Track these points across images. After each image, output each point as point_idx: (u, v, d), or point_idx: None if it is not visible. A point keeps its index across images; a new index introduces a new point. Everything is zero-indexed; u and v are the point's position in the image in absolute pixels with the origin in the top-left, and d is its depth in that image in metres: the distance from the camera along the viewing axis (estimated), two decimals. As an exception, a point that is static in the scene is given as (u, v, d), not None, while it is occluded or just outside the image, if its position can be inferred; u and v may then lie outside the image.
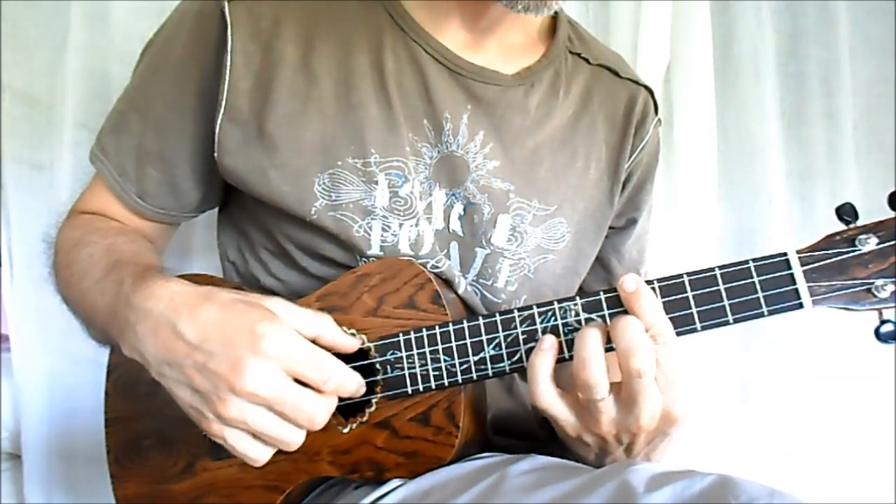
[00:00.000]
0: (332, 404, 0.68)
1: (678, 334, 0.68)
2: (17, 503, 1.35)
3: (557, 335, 0.71)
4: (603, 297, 0.70)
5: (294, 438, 0.67)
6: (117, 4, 1.31)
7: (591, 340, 0.66)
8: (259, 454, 0.67)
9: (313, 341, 0.68)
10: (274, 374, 0.63)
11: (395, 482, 0.75)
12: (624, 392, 0.66)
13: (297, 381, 0.66)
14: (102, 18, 1.31)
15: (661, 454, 0.74)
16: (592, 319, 0.70)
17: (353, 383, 0.69)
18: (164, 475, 0.85)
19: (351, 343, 0.73)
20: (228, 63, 0.81)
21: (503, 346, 0.73)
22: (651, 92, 0.98)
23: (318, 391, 0.66)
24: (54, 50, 1.32)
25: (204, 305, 0.66)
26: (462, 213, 0.86)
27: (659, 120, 0.99)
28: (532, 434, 0.94)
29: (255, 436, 0.66)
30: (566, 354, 0.71)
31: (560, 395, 0.69)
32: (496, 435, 0.88)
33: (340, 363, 0.68)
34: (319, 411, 0.66)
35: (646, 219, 1.03)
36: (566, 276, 0.92)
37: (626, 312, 0.69)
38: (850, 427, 1.28)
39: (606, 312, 0.70)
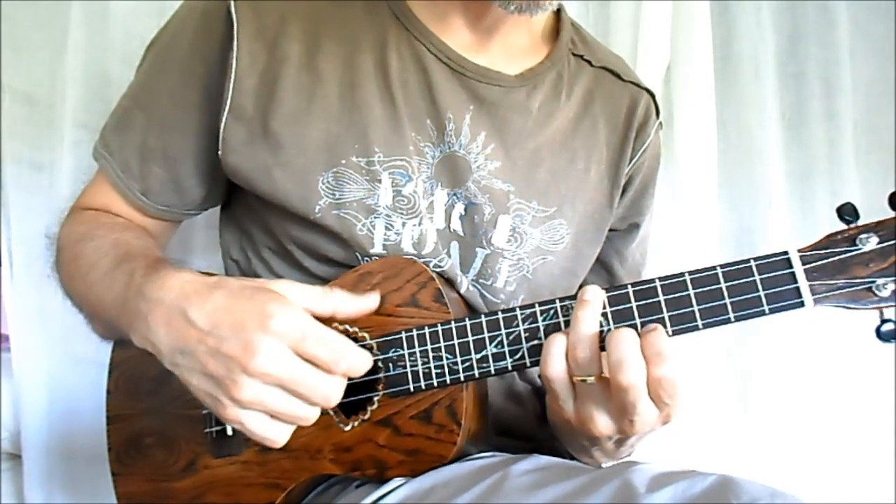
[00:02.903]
0: (344, 383, 0.68)
1: (679, 332, 0.68)
2: (17, 503, 1.35)
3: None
4: (605, 297, 0.70)
5: (310, 414, 0.66)
6: (117, 4, 1.31)
7: (587, 320, 0.68)
8: (278, 435, 0.67)
9: (331, 319, 0.69)
10: (285, 353, 0.63)
11: (396, 481, 0.75)
12: (615, 402, 0.66)
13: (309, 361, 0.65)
14: (102, 18, 1.31)
15: (643, 442, 0.75)
16: None
17: (364, 364, 0.68)
18: (165, 473, 0.85)
19: (370, 300, 0.74)
20: (234, 61, 0.81)
21: (505, 343, 0.73)
22: (653, 96, 0.98)
23: (329, 372, 0.66)
24: (54, 50, 1.32)
25: (213, 293, 0.66)
26: (463, 212, 0.86)
27: (660, 124, 0.99)
28: (532, 434, 0.94)
29: (273, 416, 0.66)
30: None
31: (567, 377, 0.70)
32: (497, 435, 0.89)
33: (351, 343, 0.67)
34: (334, 389, 0.66)
35: (648, 223, 1.04)
36: (564, 277, 0.92)
37: (627, 311, 0.69)
38: (851, 427, 1.28)
39: (609, 311, 0.70)
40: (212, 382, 0.65)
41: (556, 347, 0.68)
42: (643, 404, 0.65)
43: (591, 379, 0.67)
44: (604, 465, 0.80)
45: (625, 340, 0.65)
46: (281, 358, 0.63)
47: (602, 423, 0.68)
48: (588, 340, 0.67)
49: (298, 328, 0.64)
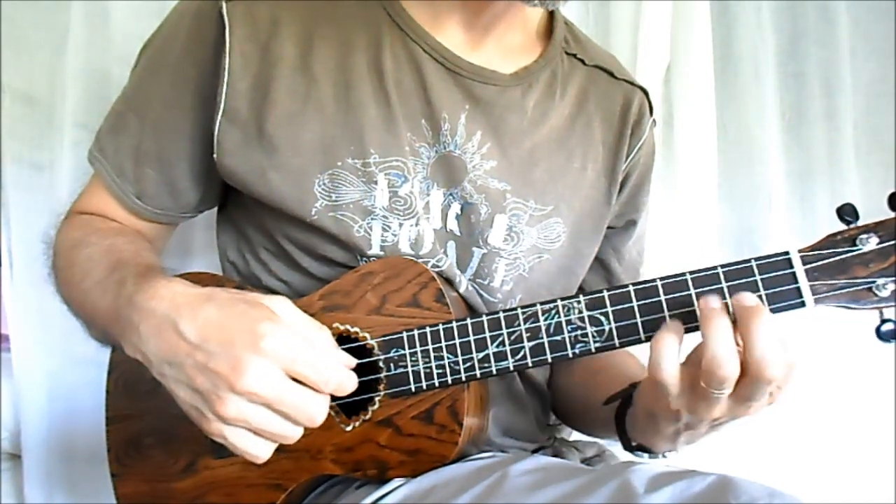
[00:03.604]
0: (328, 402, 0.68)
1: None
2: (17, 503, 1.35)
3: (561, 333, 0.71)
4: (606, 295, 0.70)
5: (294, 434, 0.67)
6: (117, 4, 1.31)
7: (724, 335, 0.63)
8: (260, 451, 0.67)
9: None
10: (273, 373, 0.63)
11: (396, 481, 0.75)
12: (744, 391, 0.64)
13: (296, 380, 0.66)
14: (102, 18, 1.30)
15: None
16: (596, 318, 0.70)
17: (351, 384, 0.69)
18: (165, 474, 0.85)
19: (345, 358, 0.72)
20: (227, 64, 0.81)
21: (507, 343, 0.73)
22: (646, 93, 0.98)
23: (317, 391, 0.66)
24: (54, 50, 1.32)
25: (205, 305, 0.66)
26: (459, 212, 0.86)
27: (654, 121, 1.00)
28: (533, 434, 0.94)
29: (256, 433, 0.66)
30: (569, 352, 0.71)
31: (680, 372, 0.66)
32: (497, 435, 0.89)
33: (339, 364, 0.68)
34: (320, 410, 0.66)
35: (644, 220, 1.04)
36: (561, 276, 0.92)
37: (629, 310, 0.69)
38: (851, 427, 1.28)
39: (609, 309, 0.70)
40: (198, 396, 0.65)
41: (668, 349, 0.65)
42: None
43: (726, 393, 0.64)
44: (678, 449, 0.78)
45: (770, 331, 0.62)
46: (269, 378, 0.63)
47: (718, 410, 0.66)
48: (731, 357, 0.62)
49: (290, 350, 0.64)
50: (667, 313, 0.68)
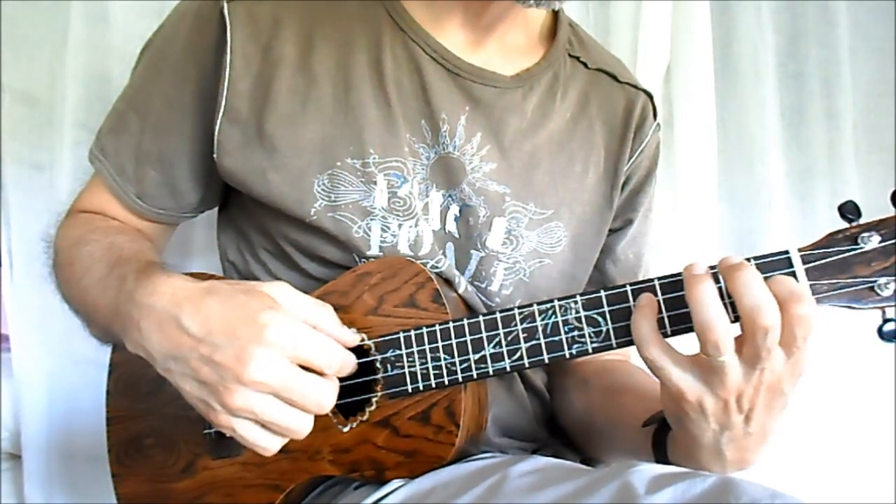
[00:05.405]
0: (337, 387, 0.68)
1: (678, 332, 0.67)
2: (17, 503, 1.35)
3: (558, 334, 0.71)
4: (603, 295, 0.70)
5: (302, 426, 0.66)
6: (117, 4, 1.31)
7: (709, 299, 0.63)
8: (269, 443, 0.67)
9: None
10: (279, 361, 0.64)
11: (395, 482, 0.75)
12: (747, 350, 0.63)
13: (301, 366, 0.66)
14: (102, 18, 1.31)
15: (775, 421, 0.68)
16: (593, 318, 0.70)
17: (352, 363, 0.70)
18: (164, 474, 0.86)
19: (349, 337, 0.72)
20: (228, 64, 0.81)
21: (504, 344, 0.73)
22: (650, 97, 0.98)
23: (322, 374, 0.66)
24: (54, 50, 1.32)
25: (206, 299, 0.66)
26: (458, 214, 0.86)
27: (658, 125, 0.99)
28: (533, 435, 0.94)
29: (264, 425, 0.66)
30: (566, 353, 0.71)
31: (677, 356, 0.66)
32: (496, 436, 0.88)
33: (339, 345, 0.69)
34: (327, 394, 0.66)
35: (642, 221, 1.01)
36: (563, 281, 0.91)
37: (625, 310, 0.69)
38: (851, 427, 1.28)
39: (606, 310, 0.69)
40: (204, 389, 0.65)
41: (643, 323, 0.66)
42: (776, 351, 0.62)
43: (727, 357, 0.63)
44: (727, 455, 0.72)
45: (754, 282, 0.62)
46: (275, 367, 0.63)
47: (733, 381, 0.64)
48: (718, 318, 0.63)
49: (292, 336, 0.65)
50: (665, 314, 0.68)
